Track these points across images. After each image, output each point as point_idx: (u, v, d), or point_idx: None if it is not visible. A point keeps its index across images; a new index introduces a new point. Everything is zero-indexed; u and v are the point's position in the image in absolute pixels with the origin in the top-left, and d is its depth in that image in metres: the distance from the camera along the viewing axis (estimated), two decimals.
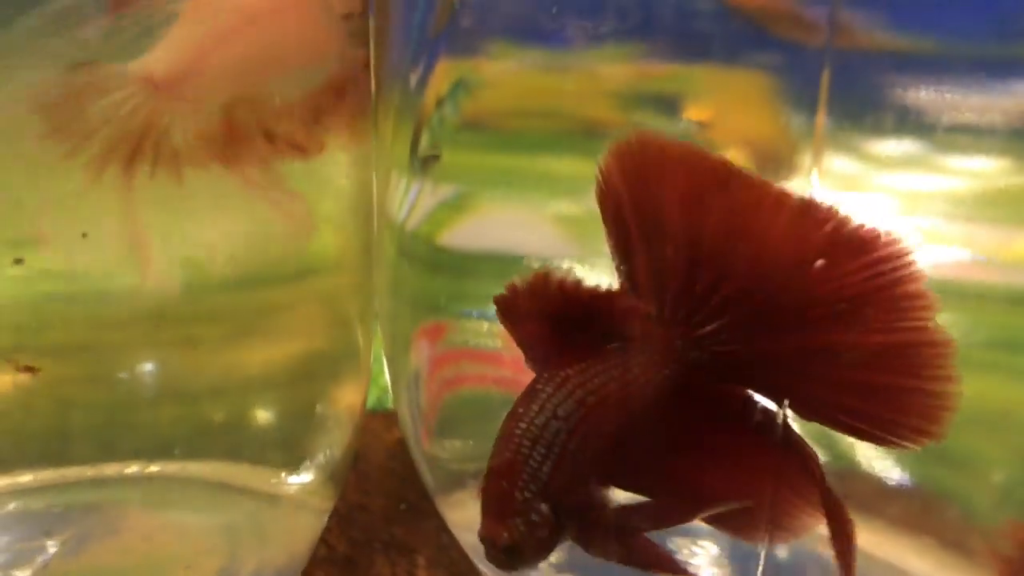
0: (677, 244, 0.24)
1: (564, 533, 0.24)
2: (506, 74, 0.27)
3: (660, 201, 0.24)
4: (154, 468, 0.31)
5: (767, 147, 0.25)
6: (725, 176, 0.23)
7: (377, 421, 0.42)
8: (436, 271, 0.30)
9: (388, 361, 0.34)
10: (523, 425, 0.23)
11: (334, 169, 0.32)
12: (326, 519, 0.35)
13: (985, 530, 0.28)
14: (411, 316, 0.32)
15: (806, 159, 0.24)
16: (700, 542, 0.30)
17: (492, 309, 0.29)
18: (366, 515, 0.39)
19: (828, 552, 0.26)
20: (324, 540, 0.37)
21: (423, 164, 0.29)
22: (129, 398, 0.30)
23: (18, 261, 0.27)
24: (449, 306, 0.30)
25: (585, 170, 0.24)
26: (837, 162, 0.24)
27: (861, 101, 0.24)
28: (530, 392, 0.24)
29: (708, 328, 0.24)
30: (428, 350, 0.31)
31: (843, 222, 0.23)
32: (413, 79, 0.30)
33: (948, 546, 0.28)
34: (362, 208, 0.33)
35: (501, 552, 0.23)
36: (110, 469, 0.30)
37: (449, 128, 0.28)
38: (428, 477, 0.34)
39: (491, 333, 0.29)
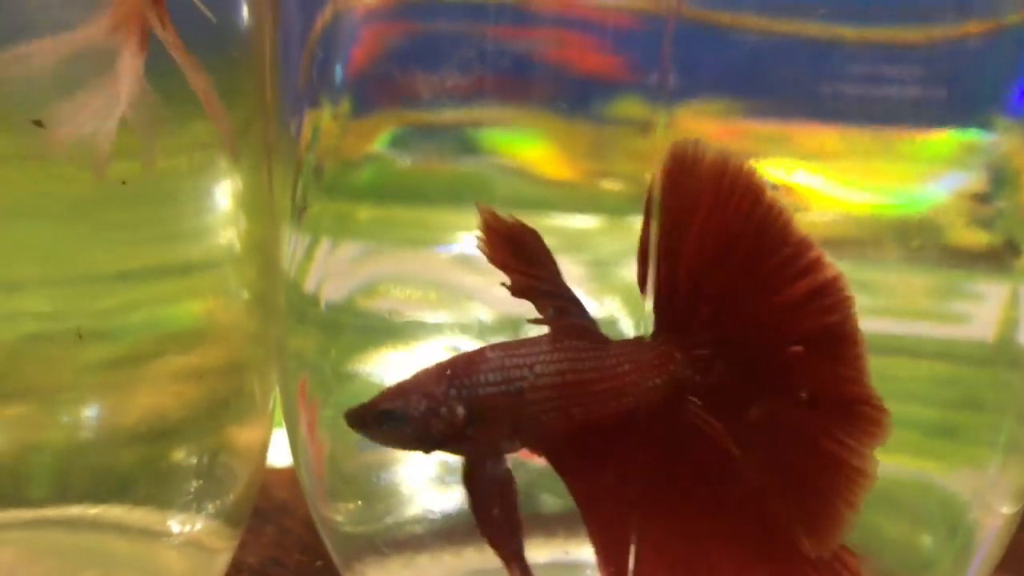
0: (687, 261, 0.23)
1: (440, 446, 0.25)
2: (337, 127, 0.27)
3: (688, 212, 0.23)
4: (37, 513, 0.31)
5: None
6: (752, 206, 0.23)
7: None
8: (303, 322, 0.30)
9: (285, 422, 0.34)
10: (499, 353, 0.24)
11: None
12: (224, 564, 0.34)
13: None
14: (294, 371, 0.31)
15: None
16: None
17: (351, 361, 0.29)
18: (280, 570, 0.39)
19: None
20: None
21: (299, 215, 0.29)
22: (15, 441, 0.30)
23: None
24: (314, 359, 0.30)
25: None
26: None
27: None
28: (530, 341, 0.24)
29: (701, 352, 0.24)
30: (308, 406, 0.31)
31: None
32: (293, 129, 0.30)
33: None
34: (256, 256, 0.33)
35: (376, 411, 0.25)
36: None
37: (307, 177, 0.28)
38: (331, 547, 0.33)
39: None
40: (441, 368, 0.24)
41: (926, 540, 0.29)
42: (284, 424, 0.34)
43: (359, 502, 0.32)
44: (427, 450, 0.25)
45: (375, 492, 0.31)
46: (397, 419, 0.24)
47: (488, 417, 0.24)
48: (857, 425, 0.23)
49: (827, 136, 0.25)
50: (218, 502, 0.33)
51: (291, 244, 0.30)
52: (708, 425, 0.24)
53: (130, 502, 0.32)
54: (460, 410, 0.24)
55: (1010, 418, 0.28)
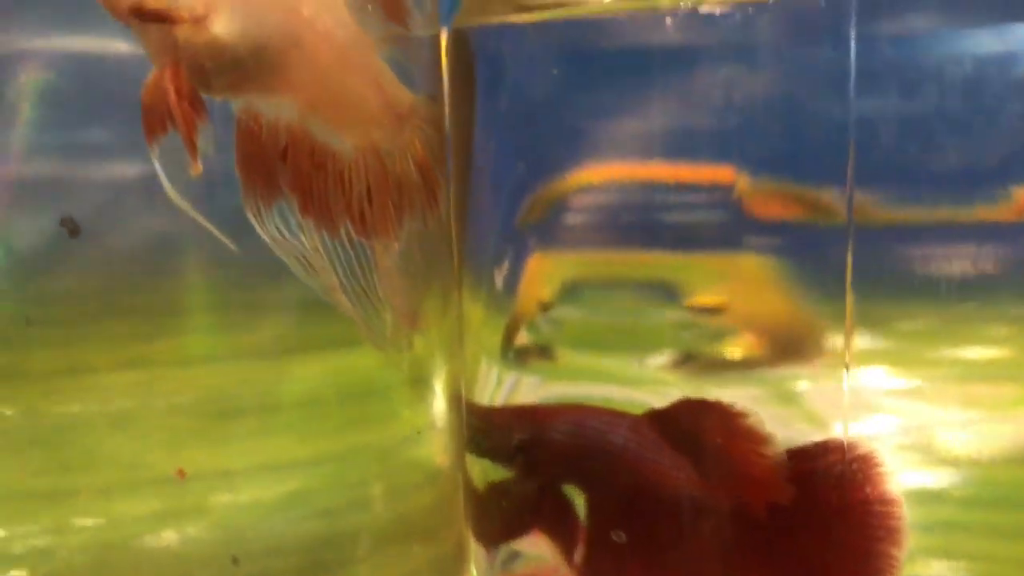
0: None
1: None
2: None
3: None
4: None
5: (783, 330, 0.26)
6: None
7: None
8: None
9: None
10: (585, 411, 0.27)
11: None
12: None
13: None
14: None
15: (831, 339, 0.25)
16: None
17: None
18: None
19: None
20: None
21: (520, 357, 0.29)
22: None
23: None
24: None
25: None
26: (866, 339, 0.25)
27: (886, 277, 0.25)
28: (619, 415, 0.27)
29: None
30: None
31: None
32: (502, 271, 0.29)
33: None
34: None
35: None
36: None
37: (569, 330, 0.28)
38: None
39: None
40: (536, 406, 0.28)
41: None
42: None
43: None
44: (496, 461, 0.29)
45: None
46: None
47: (537, 452, 0.28)
48: None
49: None
50: None
51: (505, 385, 0.30)
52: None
53: None
54: (516, 437, 0.28)
55: None
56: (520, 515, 0.29)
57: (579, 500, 0.28)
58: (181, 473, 0.23)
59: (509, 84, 0.28)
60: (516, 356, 0.29)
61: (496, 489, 0.29)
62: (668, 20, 0.25)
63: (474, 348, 0.31)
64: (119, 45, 0.22)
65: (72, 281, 0.23)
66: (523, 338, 0.29)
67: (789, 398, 0.25)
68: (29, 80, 0.22)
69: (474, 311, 0.30)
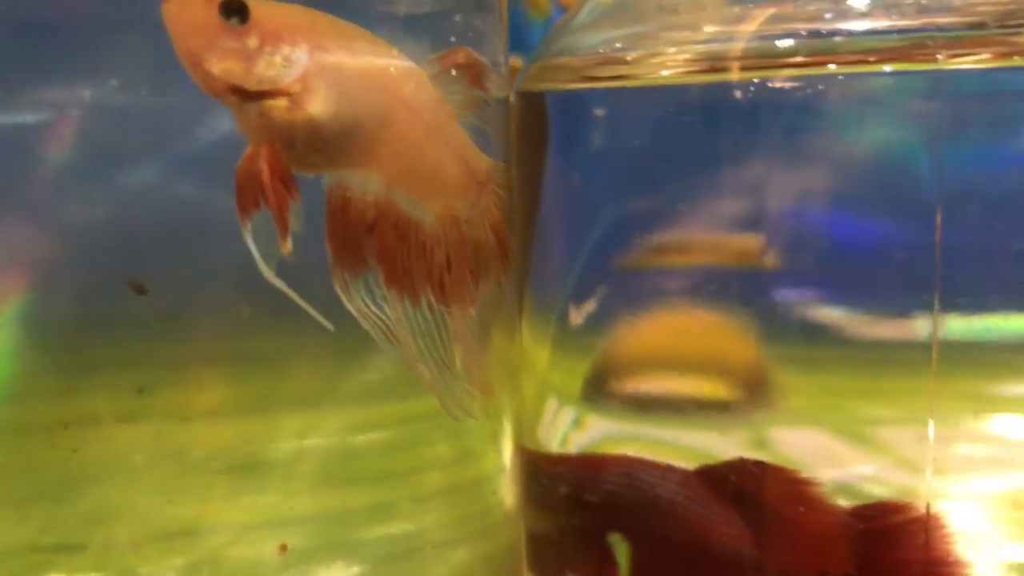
0: None
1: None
2: None
3: None
4: None
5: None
6: None
7: None
8: None
9: None
10: (639, 463, 0.28)
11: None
12: None
13: None
14: None
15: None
16: None
17: None
18: None
19: None
20: None
21: (614, 403, 0.29)
22: None
23: None
24: None
25: None
26: None
27: None
28: (673, 470, 0.27)
29: None
30: None
31: None
32: (582, 311, 0.29)
33: None
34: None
35: None
36: None
37: None
38: None
39: None
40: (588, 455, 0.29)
41: None
42: None
43: None
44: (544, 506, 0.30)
45: None
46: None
47: (586, 500, 0.29)
48: None
49: None
50: None
51: (590, 431, 0.29)
52: None
53: None
54: (566, 485, 0.29)
55: None
56: (563, 560, 0.30)
57: (621, 549, 0.29)
58: (283, 548, 0.24)
59: (591, 139, 0.28)
60: (624, 403, 0.29)
61: (541, 533, 0.30)
62: (737, 92, 0.25)
63: (538, 389, 0.31)
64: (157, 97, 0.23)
65: (76, 332, 0.23)
66: (643, 384, 0.29)
67: (763, 444, 0.26)
68: (53, 131, 0.23)
69: (538, 352, 0.30)
